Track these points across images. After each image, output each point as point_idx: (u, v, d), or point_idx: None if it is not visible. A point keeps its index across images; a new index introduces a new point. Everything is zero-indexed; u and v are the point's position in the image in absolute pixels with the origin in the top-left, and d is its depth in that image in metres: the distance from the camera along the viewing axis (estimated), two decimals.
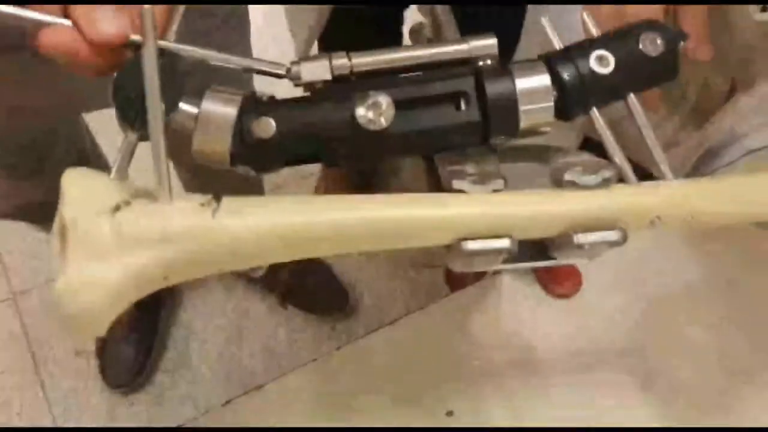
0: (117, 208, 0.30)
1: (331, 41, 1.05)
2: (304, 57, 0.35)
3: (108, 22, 0.30)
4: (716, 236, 0.56)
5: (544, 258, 0.38)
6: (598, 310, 0.55)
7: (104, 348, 1.31)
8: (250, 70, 0.35)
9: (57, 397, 1.32)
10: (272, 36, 1.08)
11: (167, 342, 1.37)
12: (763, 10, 0.54)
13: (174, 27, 0.34)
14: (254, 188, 1.11)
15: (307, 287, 1.38)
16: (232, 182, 0.75)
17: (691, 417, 0.52)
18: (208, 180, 0.90)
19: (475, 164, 0.37)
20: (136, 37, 0.32)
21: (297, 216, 0.32)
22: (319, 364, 0.49)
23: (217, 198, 0.32)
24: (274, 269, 1.34)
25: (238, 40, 0.85)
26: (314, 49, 1.08)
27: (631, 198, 0.35)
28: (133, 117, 0.31)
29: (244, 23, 0.85)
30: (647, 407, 0.52)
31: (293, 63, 0.35)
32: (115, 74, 0.31)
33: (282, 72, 0.35)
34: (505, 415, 0.49)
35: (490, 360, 0.50)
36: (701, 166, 0.63)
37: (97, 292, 0.29)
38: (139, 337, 1.31)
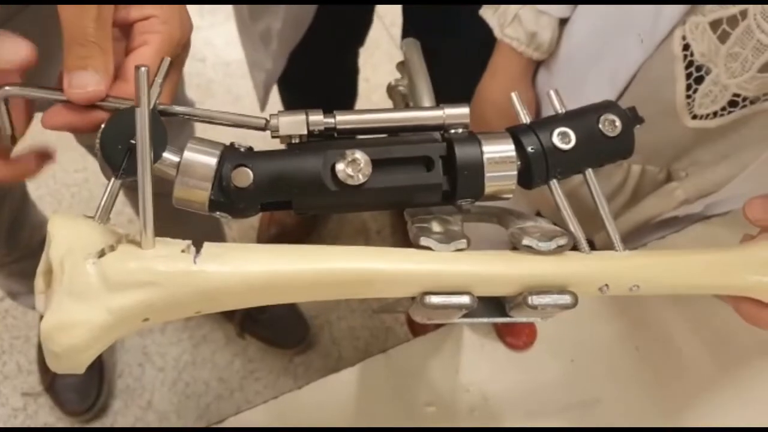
0: (102, 253, 0.32)
1: (289, 82, 1.09)
2: (283, 111, 0.37)
3: (87, 84, 0.34)
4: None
5: (502, 315, 0.40)
6: (552, 363, 0.57)
7: (54, 381, 1.30)
8: (234, 125, 0.38)
9: (5, 414, 1.30)
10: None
11: (122, 367, 1.36)
12: (693, 117, 0.60)
13: (160, 79, 0.36)
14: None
15: (267, 318, 1.39)
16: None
17: None
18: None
19: (441, 223, 0.39)
20: (115, 104, 0.35)
21: (273, 265, 0.34)
22: (277, 403, 0.50)
23: (198, 244, 0.34)
24: None
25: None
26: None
27: (581, 265, 0.38)
28: (119, 165, 0.33)
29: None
30: None
31: (272, 116, 0.37)
32: (102, 129, 0.33)
33: (261, 125, 0.37)
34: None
35: (446, 407, 0.52)
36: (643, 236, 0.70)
37: (81, 332, 0.31)
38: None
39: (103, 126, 0.34)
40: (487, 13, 0.70)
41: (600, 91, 0.64)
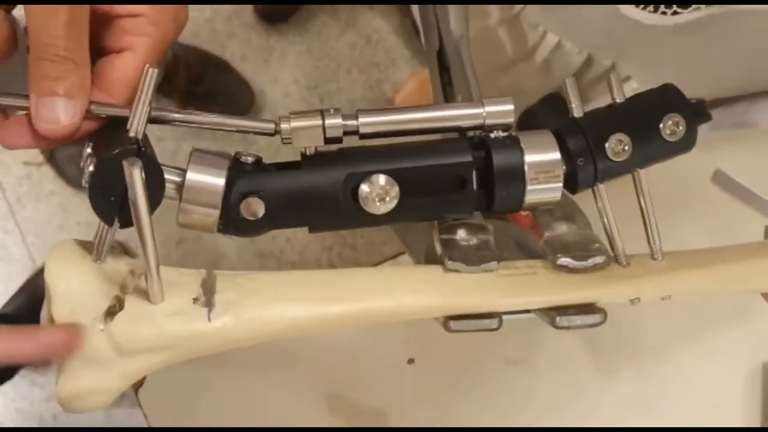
0: (110, 312, 0.30)
1: None
2: (295, 114, 0.32)
3: (59, 117, 0.28)
4: None
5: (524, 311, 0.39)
6: None
7: (53, 153, 1.28)
8: (240, 131, 0.32)
9: (11, 183, 1.32)
10: None
11: None
12: None
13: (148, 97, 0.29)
14: None
15: (205, 92, 1.34)
16: None
17: None
18: None
19: (469, 231, 0.36)
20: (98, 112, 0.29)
21: (293, 311, 0.32)
22: None
23: (209, 284, 0.31)
24: (169, 75, 1.29)
25: None
26: None
27: (615, 284, 0.36)
28: (113, 218, 0.29)
29: None
30: None
31: (282, 119, 0.32)
32: (89, 177, 0.28)
33: (270, 130, 0.32)
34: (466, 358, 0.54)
35: None
36: None
37: (96, 398, 0.30)
38: None
39: (90, 173, 0.29)
40: None
41: None
